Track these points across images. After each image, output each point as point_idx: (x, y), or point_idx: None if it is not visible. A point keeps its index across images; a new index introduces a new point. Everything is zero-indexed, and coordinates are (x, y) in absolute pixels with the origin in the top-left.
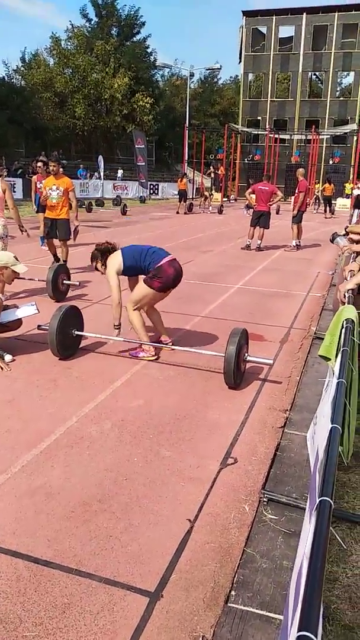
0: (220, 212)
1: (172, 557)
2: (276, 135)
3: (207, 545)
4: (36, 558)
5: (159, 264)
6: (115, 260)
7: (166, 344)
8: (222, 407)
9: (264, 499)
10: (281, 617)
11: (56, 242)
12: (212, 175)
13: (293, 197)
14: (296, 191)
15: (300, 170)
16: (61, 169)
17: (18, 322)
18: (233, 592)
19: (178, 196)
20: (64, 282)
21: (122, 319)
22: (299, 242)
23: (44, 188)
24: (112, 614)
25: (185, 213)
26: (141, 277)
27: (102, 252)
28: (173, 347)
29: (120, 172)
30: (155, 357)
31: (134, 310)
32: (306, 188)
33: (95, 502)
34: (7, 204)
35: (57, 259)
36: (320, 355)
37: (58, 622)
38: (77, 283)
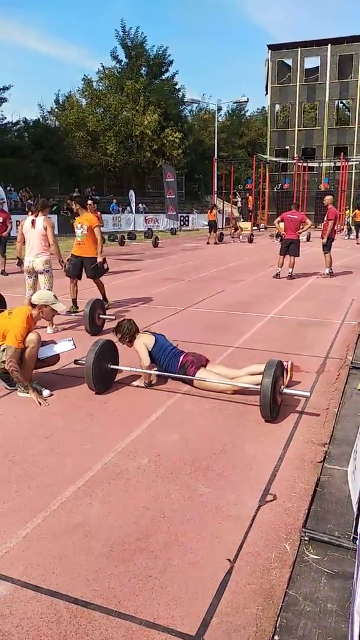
0: (250, 241)
1: (212, 599)
2: (304, 164)
3: (247, 586)
4: (76, 598)
5: (179, 363)
6: (147, 340)
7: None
8: (259, 441)
9: (305, 538)
10: None
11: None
12: (240, 202)
13: (322, 225)
14: (325, 219)
15: (329, 197)
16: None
17: (56, 358)
18: (276, 637)
19: (208, 227)
20: (100, 316)
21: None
22: (332, 269)
23: (74, 225)
24: None
25: (215, 243)
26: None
27: (129, 327)
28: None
29: (141, 206)
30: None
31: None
32: (335, 215)
33: (133, 540)
34: (48, 240)
35: (75, 304)
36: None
37: None
38: (113, 317)
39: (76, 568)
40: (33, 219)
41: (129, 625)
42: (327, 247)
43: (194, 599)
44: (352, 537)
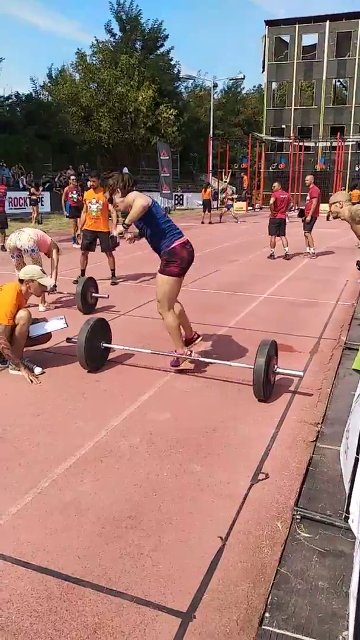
0: (221, 220)
1: (204, 577)
2: (300, 143)
3: (239, 564)
4: (67, 575)
5: (171, 246)
6: (146, 197)
7: (192, 338)
8: (251, 421)
9: (297, 516)
10: None
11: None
12: (225, 180)
13: (306, 204)
14: (308, 197)
15: (309, 177)
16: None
17: (47, 336)
18: (267, 614)
19: (202, 206)
20: (93, 295)
21: (149, 331)
22: (314, 249)
23: (85, 201)
24: (144, 635)
25: (210, 222)
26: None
27: (122, 178)
28: (200, 337)
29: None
30: (190, 353)
31: (168, 310)
32: (318, 193)
33: (125, 518)
34: (52, 263)
35: (83, 274)
36: (354, 369)
37: None
38: (107, 296)
39: (67, 545)
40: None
41: (120, 602)
42: (308, 226)
43: (185, 576)
44: (343, 516)
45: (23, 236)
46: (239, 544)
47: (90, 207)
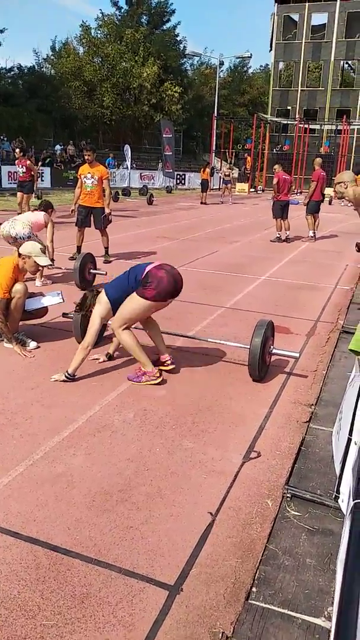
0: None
1: (192, 551)
2: (306, 125)
3: (228, 539)
4: (56, 546)
5: (144, 273)
6: (101, 304)
7: (164, 362)
8: (246, 400)
9: (288, 495)
10: (303, 616)
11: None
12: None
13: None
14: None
15: (317, 159)
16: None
17: (43, 310)
18: (254, 589)
19: (201, 186)
20: (91, 271)
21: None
22: (315, 232)
23: (79, 176)
24: (131, 606)
25: (202, 203)
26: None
27: (91, 298)
28: (173, 364)
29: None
30: (161, 379)
31: (123, 329)
32: (318, 177)
33: (116, 491)
34: (47, 236)
35: (79, 252)
36: (350, 350)
37: (76, 611)
38: (104, 272)
39: (57, 517)
40: (36, 209)
41: (109, 573)
42: (310, 209)
43: (174, 550)
44: (334, 496)
45: (17, 224)
46: (228, 520)
47: (85, 181)
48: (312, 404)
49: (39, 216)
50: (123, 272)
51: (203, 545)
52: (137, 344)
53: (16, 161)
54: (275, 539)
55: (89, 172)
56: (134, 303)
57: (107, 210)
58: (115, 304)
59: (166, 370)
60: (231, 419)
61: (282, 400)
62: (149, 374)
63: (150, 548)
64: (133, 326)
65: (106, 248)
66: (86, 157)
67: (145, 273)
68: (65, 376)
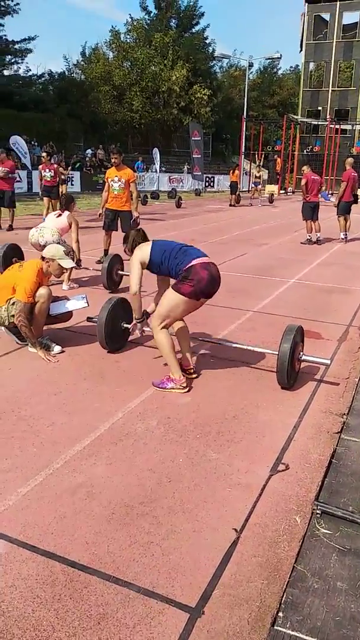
0: (271, 201)
1: (215, 570)
2: (337, 126)
3: (253, 559)
4: (73, 562)
5: (189, 265)
6: (143, 251)
7: (187, 371)
8: (273, 409)
9: (317, 511)
10: None
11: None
12: (259, 167)
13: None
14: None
15: (349, 159)
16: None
17: (68, 315)
18: (281, 614)
19: (230, 188)
20: (118, 272)
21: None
22: (347, 234)
23: (107, 179)
24: (150, 629)
25: (232, 205)
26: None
27: (135, 238)
28: (195, 374)
29: (185, 168)
30: (187, 389)
31: (161, 328)
32: (348, 177)
33: (137, 504)
34: (72, 236)
35: (106, 254)
36: None
37: (92, 634)
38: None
39: (75, 530)
40: (59, 213)
41: (127, 592)
42: (340, 210)
43: (196, 569)
44: None
45: (46, 232)
46: (254, 537)
47: (112, 185)
48: (344, 414)
49: (63, 220)
50: (177, 243)
51: (227, 564)
52: (172, 348)
53: (40, 166)
54: (304, 559)
55: (116, 176)
56: (170, 298)
57: (135, 214)
58: (152, 264)
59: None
60: (258, 429)
61: (312, 409)
62: (176, 381)
63: (171, 566)
64: None
65: None
66: (113, 161)
67: (188, 266)
68: (136, 319)
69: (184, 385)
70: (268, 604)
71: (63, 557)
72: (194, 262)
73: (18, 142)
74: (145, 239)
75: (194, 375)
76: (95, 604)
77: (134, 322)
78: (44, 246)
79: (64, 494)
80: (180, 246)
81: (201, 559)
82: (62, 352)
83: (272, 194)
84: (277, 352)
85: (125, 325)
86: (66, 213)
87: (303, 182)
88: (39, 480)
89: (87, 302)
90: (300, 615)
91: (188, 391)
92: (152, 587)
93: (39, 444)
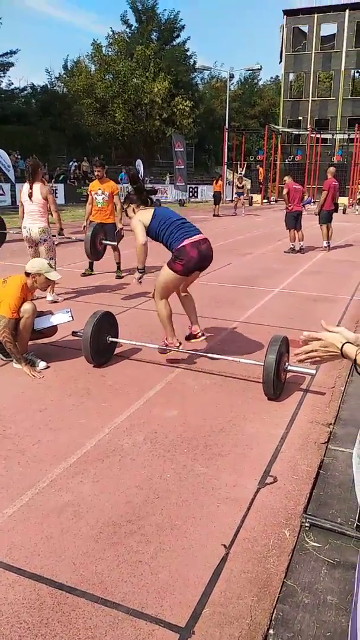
0: (250, 204)
1: (205, 588)
2: (318, 135)
3: (243, 575)
4: (61, 584)
5: (181, 244)
6: (144, 215)
7: (195, 335)
8: (260, 420)
9: (306, 524)
10: None
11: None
12: (241, 173)
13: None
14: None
15: (331, 169)
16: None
17: (53, 329)
18: (271, 631)
19: (213, 198)
20: (102, 241)
21: (157, 325)
22: (329, 242)
23: (90, 192)
24: None
25: (214, 215)
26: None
27: (139, 201)
28: (203, 336)
29: (167, 178)
30: (179, 345)
31: (161, 298)
32: (328, 186)
33: (124, 522)
34: (50, 209)
35: (91, 267)
36: None
37: None
38: (115, 243)
39: (63, 550)
40: (30, 191)
41: (115, 614)
42: (322, 219)
43: (185, 587)
44: (355, 525)
45: (33, 231)
46: (243, 552)
47: (95, 198)
48: (331, 423)
49: (37, 197)
50: (174, 214)
51: (216, 582)
52: (168, 316)
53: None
54: (294, 573)
55: (99, 188)
56: (164, 275)
57: (119, 226)
58: (149, 230)
59: (197, 342)
60: (245, 441)
61: (299, 419)
62: (170, 344)
63: (160, 585)
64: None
65: (118, 264)
66: (96, 173)
67: (180, 246)
68: (138, 270)
69: (177, 346)
70: (258, 620)
71: (50, 580)
72: (185, 242)
73: (1, 155)
74: (143, 198)
75: (202, 338)
76: (83, 627)
77: (137, 272)
78: (34, 240)
79: (51, 513)
80: (177, 220)
81: (190, 577)
82: (47, 367)
83: (251, 197)
84: (262, 363)
85: (111, 339)
86: (37, 186)
87: (285, 191)
88: (25, 500)
89: (72, 316)
90: (291, 632)
91: (179, 346)
92: (141, 608)
93: (24, 462)
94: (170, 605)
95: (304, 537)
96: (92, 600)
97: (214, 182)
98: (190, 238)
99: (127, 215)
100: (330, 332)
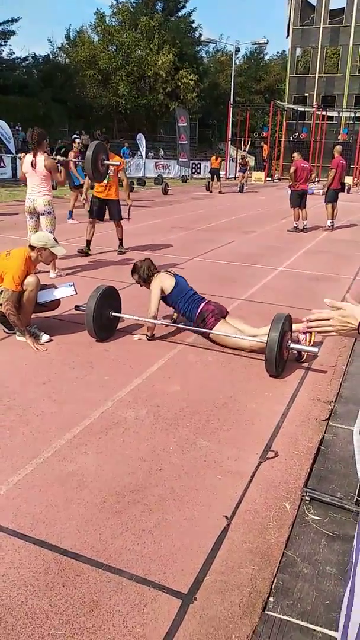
0: (241, 190)
1: (207, 557)
2: (323, 113)
3: (244, 545)
4: (65, 550)
5: (198, 311)
6: (165, 284)
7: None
8: (262, 397)
9: (306, 498)
10: (323, 629)
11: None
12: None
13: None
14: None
15: (337, 147)
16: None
17: (56, 303)
18: (271, 599)
19: (210, 175)
20: (104, 162)
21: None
22: (333, 222)
23: None
24: (142, 616)
25: (208, 191)
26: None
27: (144, 268)
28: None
29: (161, 152)
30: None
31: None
32: (337, 164)
33: (128, 492)
34: (55, 177)
35: (88, 246)
36: None
37: (85, 621)
38: (118, 163)
39: (67, 518)
40: (32, 159)
41: (119, 579)
42: (327, 198)
43: (187, 556)
44: (355, 499)
45: (38, 203)
46: (244, 524)
47: None
48: (332, 401)
49: (40, 168)
50: (188, 288)
51: (218, 551)
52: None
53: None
54: (294, 544)
55: None
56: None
57: (129, 202)
58: (168, 298)
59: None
60: (247, 417)
61: (300, 397)
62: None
63: (163, 553)
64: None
65: (120, 240)
66: None
67: (199, 312)
68: (147, 337)
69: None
70: (259, 589)
71: (55, 546)
72: (201, 307)
73: (1, 126)
74: (153, 267)
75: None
76: (88, 591)
77: (143, 335)
78: (37, 212)
79: (55, 482)
80: (191, 293)
81: (193, 546)
82: (51, 340)
83: (243, 185)
84: (265, 341)
85: (114, 314)
86: (41, 157)
87: (292, 169)
88: (29, 469)
89: (75, 290)
90: (290, 600)
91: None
92: (144, 575)
93: (28, 433)
94: (173, 572)
95: (304, 510)
96: (96, 567)
97: (213, 158)
98: (203, 302)
99: (138, 282)
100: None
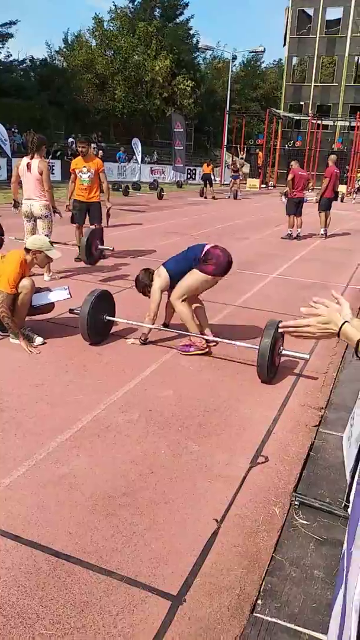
0: (235, 197)
1: (196, 559)
2: (319, 121)
3: (233, 548)
4: (57, 551)
5: (204, 251)
6: (162, 278)
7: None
8: (254, 402)
9: (295, 503)
10: (310, 632)
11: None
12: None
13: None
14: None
15: (332, 156)
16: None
17: (50, 306)
18: (260, 601)
19: (202, 181)
20: (98, 247)
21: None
22: (326, 230)
23: (73, 170)
24: (132, 617)
25: (202, 196)
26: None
27: (143, 279)
28: (216, 340)
29: (155, 156)
30: (207, 350)
31: (181, 301)
32: (330, 174)
33: (119, 495)
34: (43, 185)
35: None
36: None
37: (76, 621)
38: (112, 248)
39: (59, 520)
40: (28, 162)
41: (110, 581)
42: (322, 206)
43: (177, 558)
44: (343, 505)
45: (34, 207)
46: (234, 527)
47: (80, 176)
48: (322, 408)
49: (35, 172)
50: (181, 251)
51: (208, 554)
52: (193, 316)
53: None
54: (282, 548)
55: (84, 166)
56: (194, 277)
57: (108, 205)
58: (174, 279)
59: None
60: (238, 422)
61: (291, 403)
62: (197, 345)
63: (154, 555)
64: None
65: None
66: (80, 150)
67: (204, 252)
68: (140, 341)
69: (204, 347)
70: (247, 591)
71: (46, 547)
72: (206, 248)
73: None
74: (151, 271)
75: (213, 344)
76: (79, 592)
77: (137, 340)
78: (35, 216)
79: (47, 484)
80: (187, 250)
81: (183, 549)
82: (44, 343)
83: (237, 191)
84: (257, 347)
85: (108, 318)
86: (36, 161)
87: (290, 177)
88: (21, 471)
89: (70, 294)
90: (278, 603)
91: (208, 353)
92: (134, 576)
93: (21, 435)
94: (163, 574)
95: (293, 515)
96: (87, 568)
97: (205, 164)
98: (208, 244)
99: (146, 295)
100: (337, 304)
